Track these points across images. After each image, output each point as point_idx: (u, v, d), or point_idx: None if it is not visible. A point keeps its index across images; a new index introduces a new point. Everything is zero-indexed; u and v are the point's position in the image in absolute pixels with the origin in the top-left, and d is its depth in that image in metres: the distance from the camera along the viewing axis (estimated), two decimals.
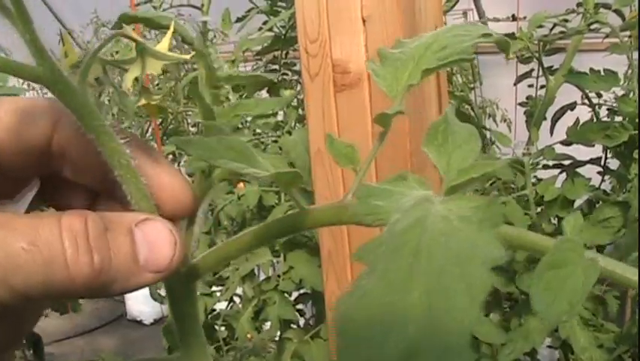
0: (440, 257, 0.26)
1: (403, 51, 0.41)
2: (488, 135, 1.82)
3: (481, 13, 3.44)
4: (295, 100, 1.69)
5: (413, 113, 0.85)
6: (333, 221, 0.39)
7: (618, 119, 1.37)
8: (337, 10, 0.84)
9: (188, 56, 0.42)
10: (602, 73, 1.32)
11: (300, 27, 0.88)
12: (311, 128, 0.90)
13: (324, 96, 0.87)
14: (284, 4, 1.63)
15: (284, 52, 1.66)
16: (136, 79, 0.40)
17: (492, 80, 3.19)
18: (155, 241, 0.37)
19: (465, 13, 3.21)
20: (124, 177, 0.38)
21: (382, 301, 0.24)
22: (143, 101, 0.41)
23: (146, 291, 3.26)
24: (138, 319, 3.98)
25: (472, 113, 1.94)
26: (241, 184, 1.77)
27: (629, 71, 1.44)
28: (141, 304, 3.88)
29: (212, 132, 0.43)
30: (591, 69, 1.32)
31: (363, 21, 0.83)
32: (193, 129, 2.58)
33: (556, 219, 1.39)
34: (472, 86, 2.73)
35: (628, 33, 1.33)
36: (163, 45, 0.41)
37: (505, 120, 3.20)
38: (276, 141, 1.50)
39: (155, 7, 1.88)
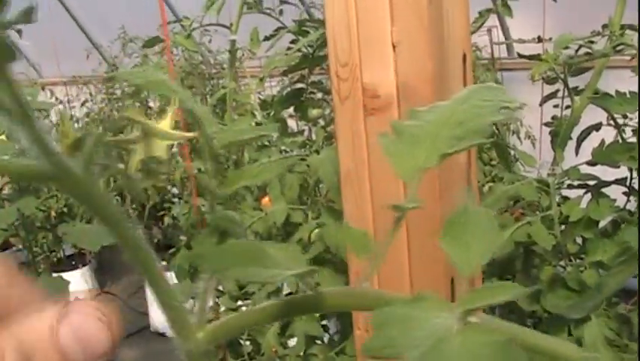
0: None
1: (418, 125, 0.40)
2: (512, 153, 1.83)
3: (505, 30, 3.45)
4: (322, 119, 1.71)
5: None
6: (346, 307, 0.39)
7: None
8: (368, 36, 0.86)
9: (192, 135, 0.42)
10: (628, 95, 1.33)
11: (331, 51, 0.90)
12: (341, 150, 0.92)
13: (353, 119, 0.89)
14: (311, 24, 1.65)
15: (311, 70, 1.68)
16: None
17: (516, 97, 3.19)
18: (84, 335, 0.33)
19: (489, 31, 3.23)
20: (139, 261, 0.37)
21: None
22: (148, 183, 0.41)
23: None
24: (162, 331, 3.99)
25: (496, 131, 1.95)
26: (266, 199, 1.79)
27: None
28: (164, 317, 3.90)
29: (219, 222, 0.43)
30: (617, 91, 1.33)
31: (394, 47, 0.85)
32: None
33: (580, 238, 1.39)
34: None
35: None
36: (165, 123, 0.41)
37: (529, 137, 3.20)
38: (303, 159, 1.52)
39: (184, 27, 1.91)
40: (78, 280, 4.16)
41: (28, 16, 0.28)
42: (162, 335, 4.01)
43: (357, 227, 0.93)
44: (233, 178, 0.44)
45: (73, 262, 4.35)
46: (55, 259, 4.12)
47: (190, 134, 0.41)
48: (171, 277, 3.16)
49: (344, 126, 0.91)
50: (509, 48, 3.61)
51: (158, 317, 4.03)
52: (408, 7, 0.83)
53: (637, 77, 1.35)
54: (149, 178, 0.40)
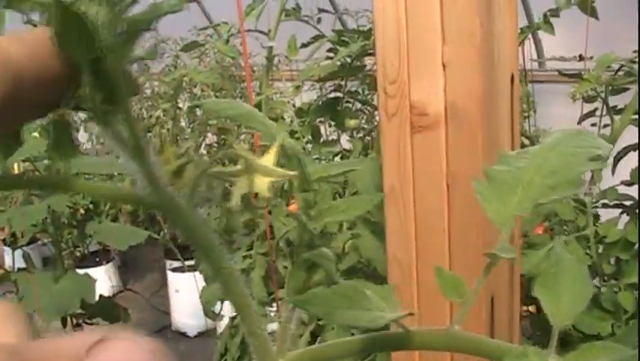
0: None
1: (509, 171, 0.41)
2: None
3: (537, 43, 3.44)
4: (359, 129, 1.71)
5: (488, 148, 0.87)
6: (438, 347, 0.39)
7: None
8: (418, 54, 0.87)
9: (294, 173, 0.41)
10: None
11: (379, 68, 0.90)
12: (386, 166, 0.92)
13: (400, 136, 0.89)
14: (349, 34, 1.66)
15: (347, 80, 1.69)
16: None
17: (545, 109, 3.19)
18: None
19: (522, 43, 3.21)
20: (230, 291, 0.38)
21: None
22: (248, 216, 0.41)
23: (191, 304, 3.25)
24: (183, 331, 4.02)
25: (528, 142, 1.94)
26: (295, 205, 1.80)
27: None
28: (186, 317, 3.92)
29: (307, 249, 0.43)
30: None
31: (444, 66, 0.85)
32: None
33: (614, 259, 1.39)
34: (526, 114, 2.73)
35: None
36: (268, 159, 0.40)
37: None
38: None
39: (217, 31, 1.92)
40: (101, 277, 4.18)
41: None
42: (183, 334, 4.03)
43: (400, 243, 0.93)
44: (322, 214, 0.44)
45: (97, 259, 4.38)
46: (79, 255, 4.16)
47: (292, 173, 0.41)
48: (195, 277, 3.17)
49: (390, 143, 0.91)
50: (540, 56, 3.60)
51: (179, 317, 4.05)
52: (460, 28, 0.83)
53: None
54: (249, 212, 0.40)
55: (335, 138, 2.09)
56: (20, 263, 2.47)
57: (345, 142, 1.93)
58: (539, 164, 0.40)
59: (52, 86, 0.33)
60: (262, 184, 0.39)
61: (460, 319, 0.38)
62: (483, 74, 0.85)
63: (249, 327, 0.39)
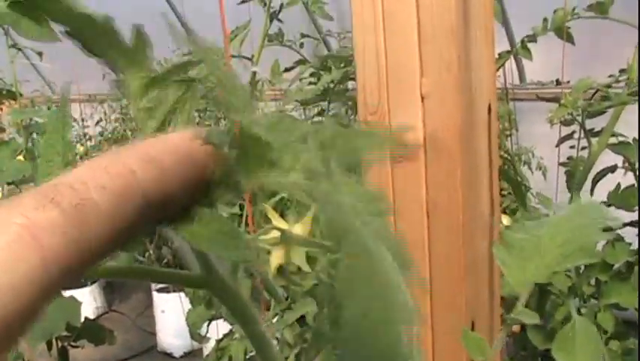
0: None
1: (527, 239, 0.43)
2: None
3: (518, 61, 3.47)
4: None
5: (467, 177, 0.89)
6: None
7: None
8: (397, 86, 0.89)
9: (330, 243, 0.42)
10: None
11: (360, 98, 0.92)
12: None
13: (380, 166, 0.91)
14: (332, 59, 1.68)
15: (330, 103, 1.71)
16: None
17: (527, 127, 3.21)
18: None
19: (501, 66, 3.24)
20: (261, 352, 0.40)
21: None
22: (282, 283, 0.41)
23: (177, 324, 3.24)
24: (168, 351, 4.00)
25: (508, 160, 1.96)
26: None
27: None
28: (172, 337, 3.91)
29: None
30: (634, 138, 1.35)
31: (422, 98, 0.87)
32: None
33: (594, 280, 1.41)
34: (508, 133, 2.75)
35: None
36: (303, 228, 0.41)
37: (540, 168, 3.21)
38: None
39: None
40: (86, 298, 4.17)
41: None
42: (169, 355, 4.02)
43: None
44: None
45: (82, 279, 4.36)
46: None
47: (328, 243, 0.41)
48: (180, 298, 3.17)
49: (371, 172, 0.93)
50: (521, 77, 3.63)
51: (165, 337, 4.04)
52: (438, 60, 0.86)
53: None
54: (285, 281, 0.41)
55: None
56: None
57: None
58: (554, 233, 0.43)
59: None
60: (299, 255, 0.40)
61: None
62: (461, 105, 0.87)
63: None
